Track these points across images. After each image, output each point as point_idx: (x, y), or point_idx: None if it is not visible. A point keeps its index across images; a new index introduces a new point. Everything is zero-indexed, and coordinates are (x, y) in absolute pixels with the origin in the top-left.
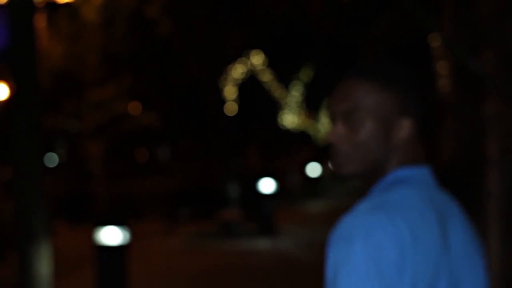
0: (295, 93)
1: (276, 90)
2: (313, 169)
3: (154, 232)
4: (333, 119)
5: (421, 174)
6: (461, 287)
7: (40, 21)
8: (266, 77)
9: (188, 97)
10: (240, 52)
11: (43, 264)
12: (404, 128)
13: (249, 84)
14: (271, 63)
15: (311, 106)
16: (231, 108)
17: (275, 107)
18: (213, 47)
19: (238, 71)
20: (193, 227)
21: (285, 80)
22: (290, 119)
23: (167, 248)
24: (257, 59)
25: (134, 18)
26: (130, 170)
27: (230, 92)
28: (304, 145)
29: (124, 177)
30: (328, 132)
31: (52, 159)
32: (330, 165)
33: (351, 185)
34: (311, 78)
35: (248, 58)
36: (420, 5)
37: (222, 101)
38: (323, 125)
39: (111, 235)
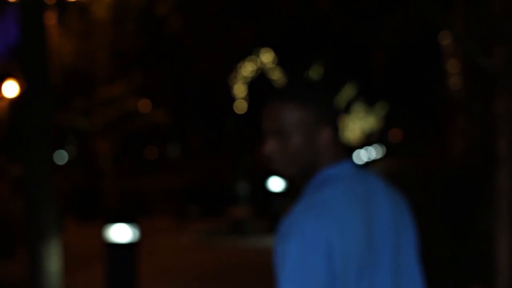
0: None
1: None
2: None
3: (163, 229)
4: (266, 135)
5: (345, 169)
6: (388, 263)
7: (51, 19)
8: (276, 75)
9: (198, 95)
10: (250, 50)
11: (53, 261)
12: (324, 134)
13: (259, 82)
14: (281, 61)
15: None
16: (240, 106)
17: None
18: (223, 45)
19: (247, 69)
20: (203, 225)
21: None
22: None
23: (176, 245)
24: (267, 57)
25: (144, 16)
26: (140, 168)
27: (239, 90)
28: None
29: (134, 174)
30: (263, 147)
31: (61, 156)
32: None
33: None
34: (321, 76)
35: (258, 56)
36: (431, 2)
37: (232, 99)
38: None
39: (121, 232)
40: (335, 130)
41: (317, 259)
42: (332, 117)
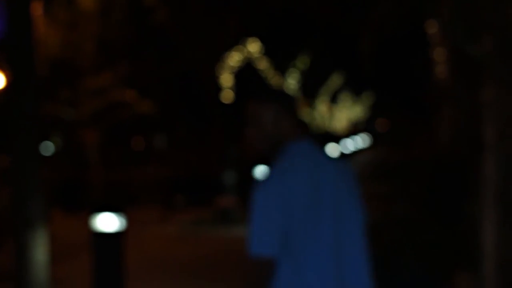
0: (292, 81)
1: (272, 78)
2: None
3: (150, 219)
4: (247, 124)
5: (301, 146)
6: (336, 211)
7: (37, 9)
8: (263, 64)
9: (185, 85)
10: (237, 40)
11: (40, 251)
12: (285, 124)
13: (246, 72)
14: (267, 51)
15: (307, 94)
16: (227, 95)
17: None
18: (210, 35)
19: (234, 59)
20: (189, 214)
21: (281, 68)
22: None
23: (163, 235)
24: (253, 46)
25: (131, 6)
26: (127, 158)
27: (226, 80)
28: (303, 136)
29: (121, 165)
30: (245, 132)
31: (48, 148)
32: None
33: None
34: (308, 66)
35: (245, 45)
36: None
37: (219, 89)
38: (319, 112)
39: (107, 222)
40: (294, 120)
41: (273, 205)
42: (291, 112)
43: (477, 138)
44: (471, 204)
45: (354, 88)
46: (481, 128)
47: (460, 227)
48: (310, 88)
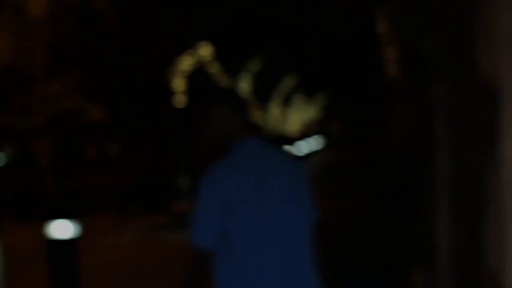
0: (244, 84)
1: (224, 81)
2: None
3: (106, 226)
4: (200, 124)
5: (249, 144)
6: (278, 206)
7: None
8: (215, 68)
9: (137, 90)
10: (188, 44)
11: None
12: (236, 123)
13: (198, 76)
14: (219, 54)
15: (260, 97)
16: (180, 100)
17: None
18: (161, 39)
19: (186, 63)
20: (145, 220)
21: (233, 71)
22: None
23: (119, 241)
24: (205, 50)
25: (81, 12)
26: (81, 166)
27: (178, 84)
28: (253, 135)
29: (75, 172)
30: (197, 131)
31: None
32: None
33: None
34: (260, 69)
35: (196, 49)
36: None
37: (171, 93)
38: (273, 115)
39: (62, 229)
40: (244, 120)
41: (214, 194)
42: (241, 112)
43: (429, 134)
44: (425, 200)
45: (307, 90)
46: (433, 124)
47: (414, 224)
48: (263, 91)
